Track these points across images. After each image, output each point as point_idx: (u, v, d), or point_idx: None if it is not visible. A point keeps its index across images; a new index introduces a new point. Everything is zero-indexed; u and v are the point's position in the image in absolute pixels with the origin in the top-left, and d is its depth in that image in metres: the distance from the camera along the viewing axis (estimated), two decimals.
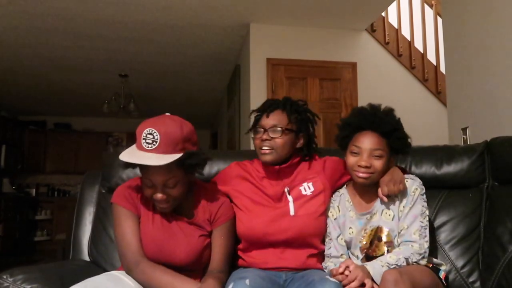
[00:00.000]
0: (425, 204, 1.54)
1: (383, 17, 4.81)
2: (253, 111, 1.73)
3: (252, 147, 1.75)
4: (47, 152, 8.31)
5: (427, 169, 1.83)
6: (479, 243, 1.71)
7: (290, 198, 1.62)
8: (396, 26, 4.88)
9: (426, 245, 1.48)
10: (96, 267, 1.74)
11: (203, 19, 4.33)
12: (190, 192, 1.54)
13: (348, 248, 1.61)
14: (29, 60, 5.47)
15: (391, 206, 1.53)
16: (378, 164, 1.50)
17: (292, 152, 1.67)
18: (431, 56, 4.89)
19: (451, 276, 1.67)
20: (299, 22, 4.48)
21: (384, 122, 1.52)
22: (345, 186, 1.68)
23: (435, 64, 4.87)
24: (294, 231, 1.56)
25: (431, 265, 1.52)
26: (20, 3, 3.94)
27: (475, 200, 1.78)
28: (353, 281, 1.34)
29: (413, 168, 1.83)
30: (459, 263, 1.69)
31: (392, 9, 4.83)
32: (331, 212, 1.64)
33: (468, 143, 2.78)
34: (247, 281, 1.33)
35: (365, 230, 1.56)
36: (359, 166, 1.50)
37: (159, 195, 1.40)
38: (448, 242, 1.72)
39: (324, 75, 4.54)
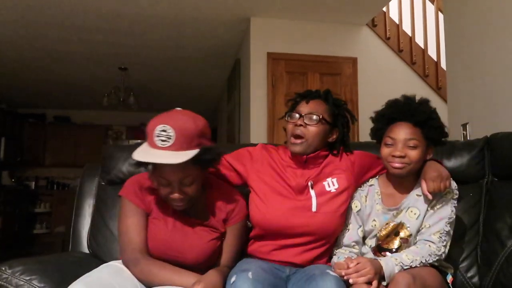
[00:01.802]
0: (454, 209, 1.50)
1: (384, 12, 4.79)
2: (291, 99, 1.70)
3: (252, 141, 1.74)
4: (47, 145, 8.29)
5: None
6: (478, 238, 1.71)
7: (312, 192, 1.57)
8: (397, 21, 4.87)
9: (443, 249, 1.46)
10: (96, 259, 1.74)
11: (203, 12, 4.31)
12: (203, 192, 1.48)
13: (365, 237, 1.59)
14: (29, 53, 5.45)
15: (420, 205, 1.50)
16: (413, 154, 1.46)
17: (323, 145, 1.62)
18: (431, 52, 4.88)
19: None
20: (299, 17, 4.46)
21: (417, 112, 1.49)
22: (376, 177, 1.64)
23: (435, 59, 4.86)
24: (314, 227, 1.52)
25: (440, 268, 1.49)
26: None
27: (474, 195, 1.78)
28: (360, 271, 1.31)
29: None
30: (458, 258, 1.69)
31: (393, 4, 4.81)
32: (354, 203, 1.60)
33: (468, 139, 2.78)
34: (250, 274, 1.31)
35: (387, 223, 1.54)
36: (394, 156, 1.47)
37: (176, 194, 1.35)
38: None
39: (324, 70, 4.52)
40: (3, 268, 1.40)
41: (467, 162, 1.81)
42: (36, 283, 1.37)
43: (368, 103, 4.45)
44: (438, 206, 1.49)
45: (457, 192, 1.52)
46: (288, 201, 1.55)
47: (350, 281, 1.30)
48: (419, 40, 4.88)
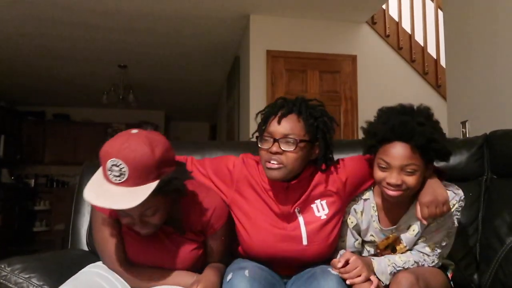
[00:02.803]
0: (456, 221, 1.40)
1: (384, 10, 4.78)
2: (261, 112, 1.45)
3: (252, 138, 1.64)
4: (46, 143, 8.28)
5: None
6: (477, 236, 1.71)
7: (301, 219, 1.42)
8: (396, 18, 4.86)
9: (437, 261, 1.41)
10: (95, 256, 1.74)
11: (203, 10, 4.30)
12: (177, 204, 1.35)
13: (364, 243, 1.52)
14: (27, 50, 5.44)
15: (419, 222, 1.39)
16: (411, 180, 1.29)
17: (305, 165, 1.41)
18: (431, 49, 4.87)
19: None
20: (299, 14, 4.45)
21: (417, 134, 1.27)
22: (371, 188, 1.47)
23: (435, 57, 4.86)
24: (306, 260, 1.42)
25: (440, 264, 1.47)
26: None
27: (473, 192, 1.77)
28: (351, 271, 1.28)
29: None
30: (457, 255, 1.68)
31: (392, 1, 4.81)
32: (350, 219, 1.47)
33: (468, 136, 2.78)
34: (247, 272, 1.28)
35: (387, 238, 1.46)
36: (389, 184, 1.31)
37: (137, 226, 1.24)
38: None
39: (324, 68, 4.52)
40: (2, 266, 1.39)
41: (466, 159, 1.81)
42: (35, 281, 1.37)
43: (368, 101, 4.48)
44: (439, 220, 1.38)
45: (463, 204, 1.40)
46: (274, 231, 1.41)
47: (347, 282, 1.28)
48: (418, 37, 4.88)
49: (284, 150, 1.35)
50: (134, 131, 1.22)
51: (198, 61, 5.89)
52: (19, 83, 7.01)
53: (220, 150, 1.86)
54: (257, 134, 1.44)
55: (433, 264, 1.42)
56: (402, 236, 1.44)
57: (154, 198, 1.17)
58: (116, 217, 1.32)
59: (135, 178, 1.14)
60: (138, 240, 1.35)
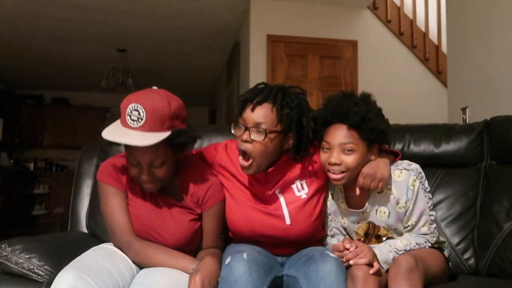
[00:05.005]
0: (429, 194, 1.46)
1: None
2: (241, 96, 1.45)
3: None
4: (45, 127, 8.28)
5: (426, 147, 1.83)
6: (475, 221, 1.72)
7: (282, 200, 1.46)
8: (398, 4, 4.82)
9: (436, 233, 1.46)
10: (94, 238, 1.75)
11: None
12: (177, 172, 1.45)
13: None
14: (26, 33, 5.39)
15: (386, 204, 1.43)
16: (349, 160, 1.35)
17: (279, 155, 1.44)
18: (432, 36, 4.84)
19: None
20: None
21: (351, 113, 1.35)
22: None
23: (436, 43, 4.83)
24: (291, 239, 1.46)
25: (437, 246, 1.50)
26: None
27: (472, 178, 1.78)
28: (359, 254, 1.29)
29: (412, 146, 1.84)
30: (455, 240, 1.71)
31: None
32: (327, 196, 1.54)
33: (467, 122, 2.78)
34: (245, 255, 1.29)
35: (358, 222, 1.49)
36: (330, 164, 1.37)
37: (144, 176, 1.31)
38: (444, 219, 1.74)
39: (324, 53, 4.49)
40: (3, 246, 1.39)
41: (465, 145, 1.81)
42: (35, 261, 1.38)
43: (368, 87, 4.41)
44: (412, 201, 1.41)
45: (422, 175, 1.44)
46: (257, 213, 1.45)
47: (351, 262, 1.29)
48: (420, 23, 4.84)
49: (253, 139, 1.37)
50: (154, 87, 1.36)
51: (197, 45, 5.85)
52: (18, 66, 6.97)
53: (219, 134, 1.85)
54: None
55: (433, 240, 1.45)
56: (376, 221, 1.46)
57: (165, 148, 1.30)
58: (123, 189, 1.41)
59: (151, 124, 1.26)
60: (141, 210, 1.42)
